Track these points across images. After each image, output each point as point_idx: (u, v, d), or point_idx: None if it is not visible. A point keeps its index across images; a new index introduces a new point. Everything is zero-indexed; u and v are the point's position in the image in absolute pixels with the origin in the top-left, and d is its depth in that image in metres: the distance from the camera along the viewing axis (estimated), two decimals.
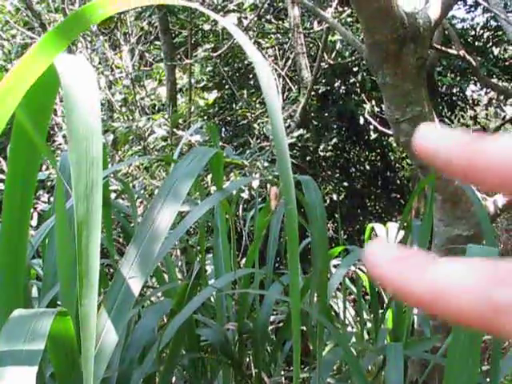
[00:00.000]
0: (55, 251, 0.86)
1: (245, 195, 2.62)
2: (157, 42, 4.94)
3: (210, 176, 2.92)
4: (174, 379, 1.93)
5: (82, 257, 0.53)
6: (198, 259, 1.59)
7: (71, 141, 0.53)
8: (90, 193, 0.54)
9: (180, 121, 3.77)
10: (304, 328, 1.69)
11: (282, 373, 2.02)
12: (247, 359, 1.88)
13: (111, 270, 2.60)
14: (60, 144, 3.54)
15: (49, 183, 3.24)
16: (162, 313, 1.31)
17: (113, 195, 2.87)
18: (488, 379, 1.42)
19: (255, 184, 2.46)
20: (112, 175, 2.94)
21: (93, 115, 0.55)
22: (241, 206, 3.25)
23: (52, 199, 2.67)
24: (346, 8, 4.30)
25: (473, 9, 6.08)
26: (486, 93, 6.18)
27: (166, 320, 1.57)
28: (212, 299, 1.76)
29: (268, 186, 3.09)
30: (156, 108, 4.45)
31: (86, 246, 0.53)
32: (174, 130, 3.08)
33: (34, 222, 3.03)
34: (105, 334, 0.71)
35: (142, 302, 1.44)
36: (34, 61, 0.53)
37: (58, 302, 1.09)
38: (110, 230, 1.43)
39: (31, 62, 0.53)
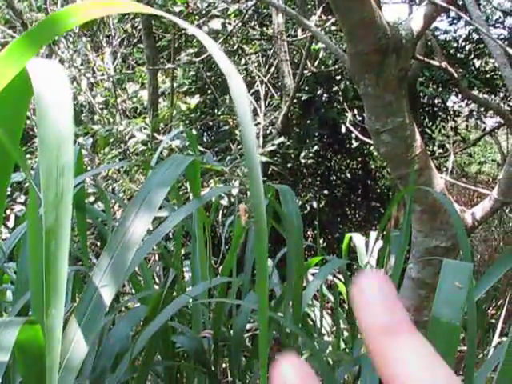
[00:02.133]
0: (28, 258, 0.84)
1: (224, 202, 2.62)
2: (140, 45, 4.92)
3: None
4: None
5: (50, 266, 0.52)
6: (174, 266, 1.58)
7: (41, 147, 0.52)
8: (59, 201, 0.53)
9: (161, 125, 3.75)
10: (279, 336, 1.69)
11: (258, 381, 2.01)
12: (223, 366, 1.87)
13: (87, 275, 2.57)
14: None
15: (26, 184, 3.20)
16: (136, 320, 1.29)
17: (92, 198, 2.84)
18: None
19: (234, 191, 2.46)
20: (91, 179, 2.91)
21: (65, 122, 0.54)
22: (220, 212, 3.24)
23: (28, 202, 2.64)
24: (330, 16, 4.32)
25: (455, 21, 6.14)
26: (467, 104, 6.24)
27: (141, 327, 1.55)
28: (188, 306, 1.75)
29: (248, 193, 3.08)
30: (137, 111, 4.43)
31: (54, 255, 0.52)
32: (155, 134, 3.06)
33: (10, 224, 3.00)
34: (75, 343, 0.70)
35: (116, 308, 1.42)
36: (4, 66, 0.52)
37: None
38: (85, 236, 1.41)
39: (2, 64, 0.51)
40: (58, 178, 0.52)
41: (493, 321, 3.82)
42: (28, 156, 3.64)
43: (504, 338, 2.56)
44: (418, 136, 1.85)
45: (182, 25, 0.59)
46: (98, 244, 2.89)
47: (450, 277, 0.93)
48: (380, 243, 2.53)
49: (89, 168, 3.10)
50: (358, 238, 2.62)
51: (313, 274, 2.34)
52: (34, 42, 0.52)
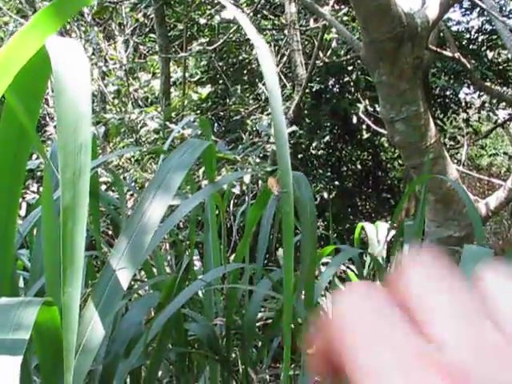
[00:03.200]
0: (43, 241, 0.84)
1: (236, 190, 2.61)
2: (152, 35, 4.91)
3: (201, 170, 2.90)
4: (160, 373, 1.92)
5: (67, 244, 0.52)
6: (187, 253, 1.58)
7: (59, 124, 0.52)
8: (77, 179, 0.52)
9: (173, 114, 3.75)
10: (292, 325, 1.68)
11: (268, 370, 2.01)
12: (234, 355, 1.87)
13: (98, 262, 2.58)
14: (51, 134, 3.51)
15: (38, 173, 3.21)
16: (149, 306, 1.29)
17: (103, 187, 2.85)
18: None
19: (247, 179, 2.45)
20: (102, 167, 2.92)
21: (83, 100, 0.53)
22: (232, 202, 3.24)
23: (41, 189, 2.64)
24: (342, 6, 4.29)
25: (468, 12, 6.08)
26: (479, 96, 6.19)
27: (153, 313, 1.55)
28: (200, 294, 1.75)
29: (259, 182, 3.08)
30: (149, 101, 4.42)
31: (71, 233, 0.52)
32: (167, 123, 3.06)
33: (22, 212, 3.00)
34: (92, 326, 0.70)
35: (129, 294, 1.42)
36: (25, 41, 0.51)
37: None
38: (98, 222, 1.41)
39: (22, 42, 0.51)
40: (75, 156, 0.52)
41: None
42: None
43: None
44: (432, 125, 1.84)
45: None
46: (109, 233, 2.90)
47: (470, 262, 0.91)
48: (391, 233, 2.52)
49: (101, 157, 3.10)
50: (369, 228, 2.61)
51: (323, 264, 2.34)
52: (56, 17, 0.52)
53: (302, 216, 1.19)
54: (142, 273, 2.06)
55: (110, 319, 0.73)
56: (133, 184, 3.04)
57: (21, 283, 1.68)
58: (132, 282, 2.20)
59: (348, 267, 2.45)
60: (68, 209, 0.53)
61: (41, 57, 0.55)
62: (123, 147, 3.20)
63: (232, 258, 2.34)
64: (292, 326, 1.69)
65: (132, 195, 2.97)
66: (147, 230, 0.72)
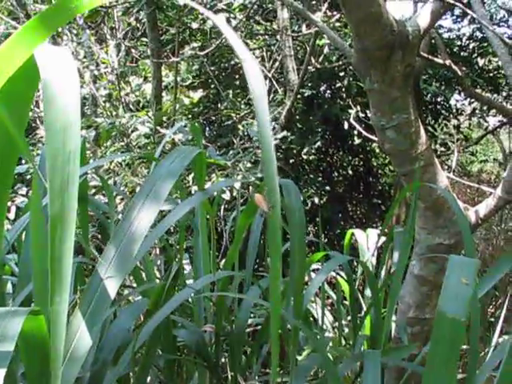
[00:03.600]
0: (30, 249, 0.84)
1: (226, 196, 2.61)
2: (144, 39, 4.91)
3: (191, 176, 2.89)
4: (148, 379, 1.91)
5: (55, 252, 0.51)
6: (176, 259, 1.58)
7: (48, 133, 0.51)
8: (65, 187, 0.52)
9: (164, 119, 3.74)
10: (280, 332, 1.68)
11: (257, 377, 2.00)
12: (223, 361, 1.86)
13: (89, 267, 2.57)
14: (41, 137, 3.49)
15: (28, 177, 3.19)
16: (137, 313, 1.29)
17: (93, 191, 2.83)
18: None
19: (237, 185, 2.45)
20: (93, 171, 2.91)
21: (72, 108, 0.53)
22: (222, 207, 3.24)
23: (30, 193, 2.63)
24: (335, 13, 4.31)
25: (459, 19, 6.11)
26: (470, 103, 6.22)
27: (142, 320, 1.55)
28: (190, 300, 1.74)
29: (250, 188, 3.07)
30: (140, 105, 4.41)
31: (59, 242, 0.51)
32: (158, 127, 3.05)
33: (11, 216, 2.99)
34: (79, 335, 0.69)
35: (118, 301, 1.42)
36: (13, 51, 0.51)
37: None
38: (87, 227, 1.40)
39: (10, 52, 0.51)
40: (64, 164, 0.52)
41: (492, 319, 3.82)
42: (30, 148, 3.63)
43: (505, 337, 2.55)
44: (422, 133, 1.84)
45: (198, 8, 0.58)
46: (99, 237, 2.89)
47: (456, 272, 0.92)
48: (380, 240, 2.52)
49: (91, 161, 3.09)
50: (359, 235, 2.62)
51: (313, 271, 2.34)
52: (45, 27, 0.52)
53: (290, 224, 1.19)
54: (131, 278, 2.05)
55: (98, 327, 0.73)
56: (123, 188, 3.03)
57: (9, 288, 1.67)
58: (121, 289, 2.19)
59: (338, 273, 2.45)
60: (56, 217, 0.53)
61: (30, 65, 0.55)
62: (114, 151, 3.19)
63: (223, 262, 2.34)
64: (280, 332, 1.69)
65: (122, 199, 2.96)
66: (135, 239, 0.72)
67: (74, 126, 0.53)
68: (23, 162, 3.02)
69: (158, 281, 2.01)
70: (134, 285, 1.87)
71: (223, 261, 2.15)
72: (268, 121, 0.52)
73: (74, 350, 0.67)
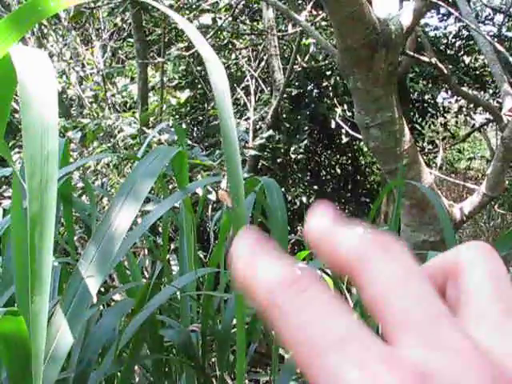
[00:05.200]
0: (12, 249, 0.84)
1: (212, 197, 2.61)
2: (130, 40, 4.90)
3: None
4: (137, 379, 1.91)
5: (35, 254, 0.52)
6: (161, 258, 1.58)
7: (26, 135, 0.52)
8: (44, 189, 0.52)
9: (151, 119, 3.74)
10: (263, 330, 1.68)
11: (246, 375, 2.01)
12: (211, 361, 1.87)
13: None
14: None
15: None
16: (122, 313, 1.29)
17: (80, 192, 2.83)
18: None
19: (223, 185, 2.45)
20: (80, 172, 2.90)
21: (49, 109, 0.53)
22: (210, 207, 3.24)
23: None
24: (320, 12, 4.32)
25: (445, 17, 6.15)
26: (457, 100, 6.26)
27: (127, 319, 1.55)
28: (177, 300, 1.74)
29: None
30: (127, 106, 4.41)
31: (38, 243, 0.52)
32: (144, 128, 3.05)
33: None
34: (60, 334, 0.70)
35: (103, 300, 1.42)
36: None
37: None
38: (72, 228, 1.40)
39: None
40: (42, 165, 0.52)
41: None
42: (16, 150, 3.61)
43: None
44: (407, 131, 1.85)
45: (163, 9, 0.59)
46: (87, 238, 2.88)
47: None
48: None
49: (73, 162, 3.07)
50: None
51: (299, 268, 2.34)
52: (18, 26, 0.52)
53: (272, 222, 1.19)
54: (117, 279, 2.05)
55: (79, 327, 0.73)
56: (110, 189, 3.02)
57: None
58: (110, 289, 2.19)
59: (324, 272, 2.46)
60: (35, 218, 0.53)
61: (5, 67, 0.55)
62: (101, 152, 3.18)
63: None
64: (263, 330, 1.69)
65: (109, 200, 2.95)
66: (115, 238, 0.72)
67: (52, 127, 0.53)
68: (8, 162, 3.00)
69: (144, 280, 2.01)
70: (121, 286, 1.87)
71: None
72: (231, 117, 0.53)
73: (55, 349, 0.67)
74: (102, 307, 1.45)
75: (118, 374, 1.31)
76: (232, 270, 0.24)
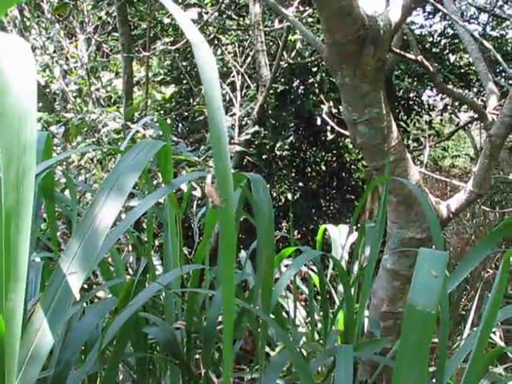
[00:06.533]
0: None
1: (197, 193, 2.59)
2: (114, 34, 4.85)
3: None
4: (121, 377, 1.89)
5: (10, 249, 0.49)
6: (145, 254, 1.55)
7: (2, 124, 0.49)
8: (21, 179, 0.50)
9: (136, 114, 3.70)
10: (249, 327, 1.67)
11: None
12: (196, 358, 1.85)
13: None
14: None
15: None
16: (105, 311, 1.26)
17: (62, 187, 2.79)
18: (434, 380, 1.43)
19: (208, 180, 2.43)
20: (64, 167, 2.86)
21: (27, 97, 0.51)
22: (195, 203, 3.21)
23: None
24: (307, 8, 4.30)
25: (431, 16, 6.17)
26: (442, 98, 6.28)
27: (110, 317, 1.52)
28: (161, 297, 1.72)
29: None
30: (112, 100, 4.36)
31: (14, 237, 0.49)
32: (129, 123, 3.02)
33: None
34: (40, 333, 0.67)
35: (86, 298, 1.39)
36: None
37: None
38: (54, 223, 1.37)
39: None
40: (19, 155, 0.50)
41: (463, 312, 3.87)
42: None
43: (475, 329, 2.57)
44: (394, 127, 1.84)
45: None
46: (70, 233, 2.84)
47: (425, 265, 0.92)
48: (354, 235, 2.52)
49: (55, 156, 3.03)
50: (332, 230, 2.61)
51: (286, 266, 2.33)
52: None
53: (258, 220, 1.17)
54: (100, 275, 2.02)
55: (61, 325, 0.71)
56: (94, 184, 2.99)
57: None
58: (93, 286, 2.16)
59: (310, 268, 2.44)
60: (11, 211, 0.51)
61: None
62: (84, 147, 3.14)
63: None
64: (249, 327, 1.68)
65: (92, 196, 2.92)
66: (99, 233, 0.70)
67: (30, 116, 0.50)
68: None
69: (128, 277, 1.99)
70: (104, 283, 1.84)
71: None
72: (220, 108, 0.51)
73: (34, 348, 0.65)
74: (84, 304, 1.43)
75: (101, 372, 1.29)
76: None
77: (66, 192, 2.79)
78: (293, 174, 5.17)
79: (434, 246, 1.81)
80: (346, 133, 2.80)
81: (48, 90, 3.89)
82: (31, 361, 0.66)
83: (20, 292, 0.51)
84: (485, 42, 2.08)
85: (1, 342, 0.55)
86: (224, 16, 4.94)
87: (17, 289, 0.50)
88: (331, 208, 5.67)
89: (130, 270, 2.60)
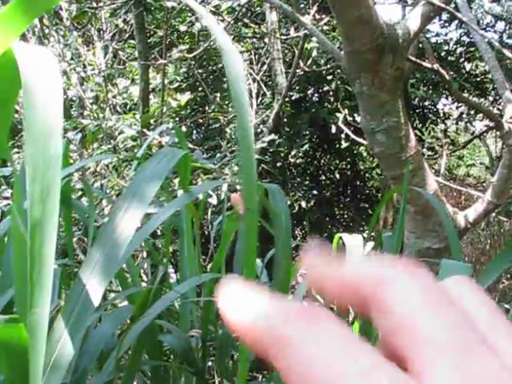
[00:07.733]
0: (12, 255, 0.81)
1: (213, 201, 2.59)
2: (131, 41, 4.88)
3: (178, 179, 2.87)
4: None
5: (35, 263, 0.49)
6: (163, 262, 1.55)
7: (28, 139, 0.49)
8: (46, 194, 0.50)
9: (152, 121, 3.72)
10: None
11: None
12: (210, 365, 1.84)
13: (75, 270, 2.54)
14: None
15: (12, 179, 3.15)
16: (122, 319, 1.26)
17: (80, 193, 2.81)
18: None
19: (224, 188, 2.43)
20: (79, 174, 2.87)
21: (54, 111, 0.51)
22: (209, 211, 3.22)
23: None
24: (323, 16, 4.30)
25: (447, 24, 6.15)
26: (457, 107, 6.25)
27: (127, 325, 1.52)
28: (176, 305, 1.72)
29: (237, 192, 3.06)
30: (128, 107, 4.39)
31: (39, 251, 0.49)
32: (145, 130, 3.03)
33: None
34: (61, 344, 0.67)
35: (103, 306, 1.39)
36: None
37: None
38: (70, 231, 1.38)
39: None
40: (45, 170, 0.50)
41: None
42: (15, 150, 3.59)
43: None
44: (412, 136, 1.83)
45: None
46: (85, 240, 2.86)
47: (449, 276, 0.90)
48: (368, 244, 2.51)
49: (77, 163, 3.05)
50: (348, 239, 2.60)
51: (301, 275, 2.32)
52: (24, 14, 0.49)
53: (276, 229, 1.17)
54: (118, 283, 2.02)
55: (81, 336, 0.71)
56: (110, 191, 3.00)
57: None
58: (107, 293, 2.16)
59: None
60: (36, 225, 0.51)
61: (11, 63, 0.52)
62: (101, 154, 3.16)
63: (209, 267, 2.32)
64: None
65: (109, 202, 2.93)
66: (120, 242, 0.70)
67: (56, 131, 0.50)
68: (9, 163, 2.98)
69: (144, 284, 1.99)
70: (120, 289, 1.84)
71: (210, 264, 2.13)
72: (248, 116, 0.50)
73: (56, 358, 0.65)
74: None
75: (117, 380, 1.29)
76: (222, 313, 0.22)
77: (83, 198, 2.81)
78: (307, 182, 5.17)
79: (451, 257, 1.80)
80: (361, 141, 2.79)
81: (65, 97, 3.91)
82: (53, 370, 0.66)
83: (45, 306, 0.51)
84: (505, 51, 2.07)
85: (25, 355, 0.55)
86: (240, 24, 4.95)
87: (42, 303, 0.50)
88: (345, 216, 5.66)
89: (144, 277, 2.60)
